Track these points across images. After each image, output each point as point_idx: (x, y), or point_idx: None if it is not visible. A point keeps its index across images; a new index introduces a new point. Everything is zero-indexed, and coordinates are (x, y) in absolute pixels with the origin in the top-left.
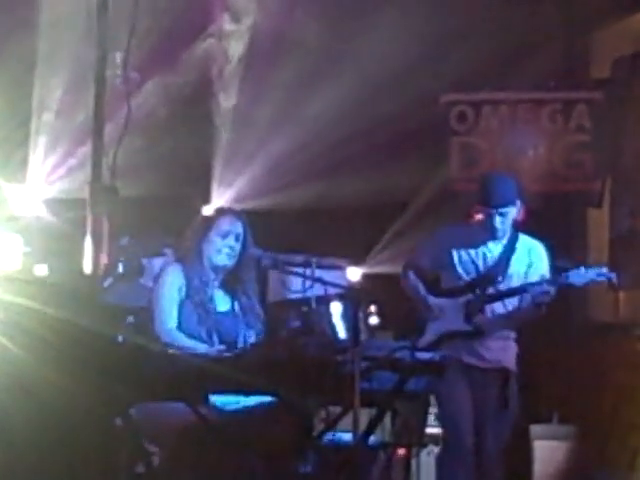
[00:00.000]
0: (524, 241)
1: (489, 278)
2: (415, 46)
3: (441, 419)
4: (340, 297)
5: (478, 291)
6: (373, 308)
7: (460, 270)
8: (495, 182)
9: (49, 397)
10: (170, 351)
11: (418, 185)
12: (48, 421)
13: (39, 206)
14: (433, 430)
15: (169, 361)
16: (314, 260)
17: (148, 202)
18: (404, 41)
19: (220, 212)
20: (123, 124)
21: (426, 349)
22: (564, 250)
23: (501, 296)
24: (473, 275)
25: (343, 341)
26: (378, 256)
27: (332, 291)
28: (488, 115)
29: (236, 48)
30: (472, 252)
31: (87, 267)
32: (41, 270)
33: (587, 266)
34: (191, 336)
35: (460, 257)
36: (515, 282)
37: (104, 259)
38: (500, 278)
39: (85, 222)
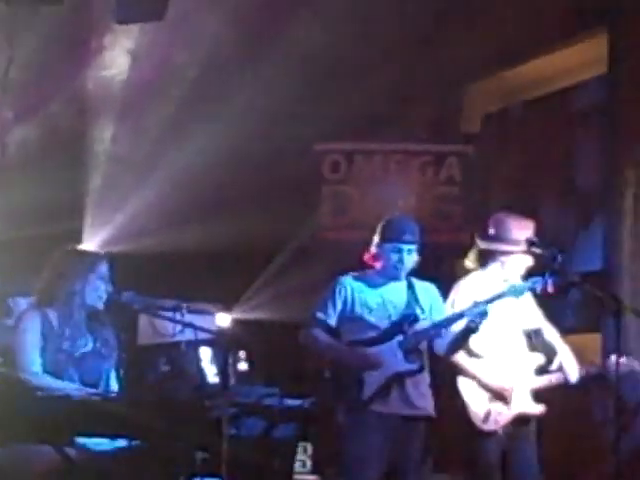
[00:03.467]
0: (418, 284)
1: (408, 318)
2: (290, 95)
3: (341, 478)
4: (210, 342)
5: (406, 329)
6: (242, 354)
7: (372, 319)
8: (403, 220)
9: None
10: (38, 392)
11: (289, 232)
12: None
13: None
14: (300, 477)
15: (35, 402)
16: (184, 305)
17: (19, 242)
18: (279, 89)
19: (99, 255)
20: None
21: (371, 399)
22: None
23: (434, 328)
24: (386, 321)
25: (212, 386)
26: (248, 302)
27: (202, 336)
28: (360, 165)
29: (112, 88)
30: (379, 299)
31: None
32: None
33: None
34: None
35: (369, 306)
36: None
37: None
38: (420, 315)
39: None
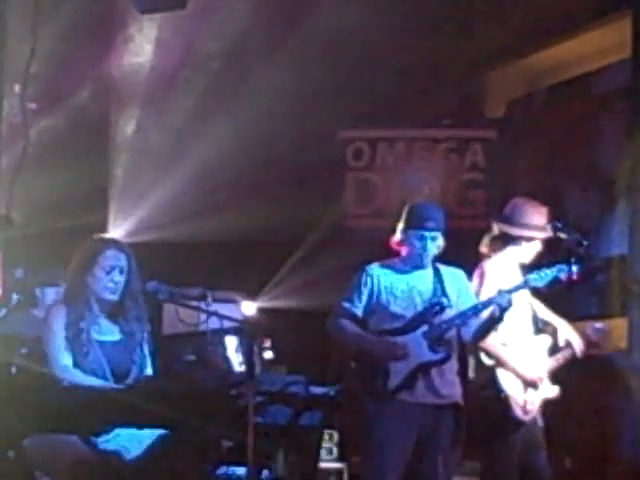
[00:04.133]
0: (445, 270)
1: (433, 308)
2: (313, 81)
3: (364, 465)
4: (235, 331)
5: (431, 319)
6: (268, 342)
7: (398, 309)
8: (426, 207)
9: None
10: (65, 383)
11: (313, 220)
12: None
13: None
14: (326, 465)
15: (63, 393)
16: (210, 293)
17: (45, 233)
18: (302, 76)
19: (103, 245)
20: (20, 154)
21: (397, 389)
22: None
23: (460, 317)
24: (412, 310)
25: (237, 375)
26: (273, 291)
27: (227, 324)
28: (384, 152)
29: (136, 79)
30: (405, 287)
31: None
32: None
33: (546, 266)
34: (85, 371)
35: (395, 295)
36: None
37: None
38: (446, 303)
39: None
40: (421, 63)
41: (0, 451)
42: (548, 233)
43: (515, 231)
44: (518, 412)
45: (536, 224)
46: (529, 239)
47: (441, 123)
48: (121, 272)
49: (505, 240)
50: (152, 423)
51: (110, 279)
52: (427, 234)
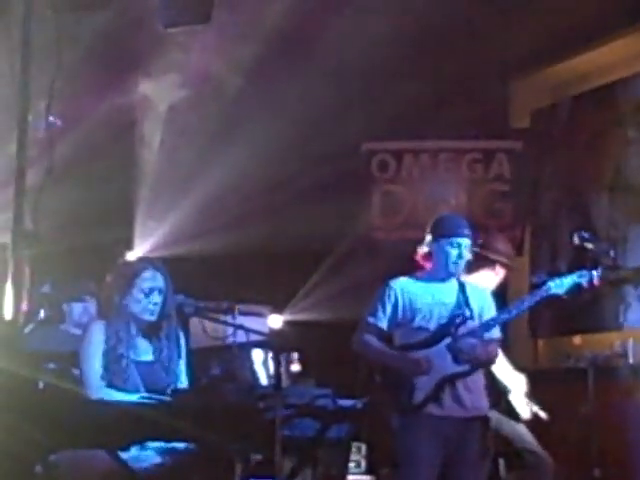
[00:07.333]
0: (470, 285)
1: (455, 319)
2: (338, 94)
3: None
4: (262, 344)
5: (454, 331)
6: (295, 355)
7: (422, 322)
8: (450, 217)
9: None
10: (92, 398)
11: (339, 233)
12: None
13: None
14: (354, 478)
15: (90, 408)
16: (236, 307)
17: (71, 248)
18: (327, 89)
19: (141, 266)
20: (45, 170)
21: (423, 403)
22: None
23: (482, 329)
24: (435, 323)
25: (265, 388)
26: (300, 303)
27: (254, 338)
28: (409, 164)
29: (160, 95)
30: (429, 301)
31: (7, 313)
32: None
33: (565, 274)
34: (119, 390)
35: (419, 309)
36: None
37: (25, 305)
38: (468, 315)
39: (6, 267)
40: (445, 73)
41: (27, 467)
42: (512, 264)
43: (492, 255)
44: None
45: (509, 253)
46: (502, 265)
47: (466, 134)
48: (160, 293)
49: (480, 264)
50: (180, 437)
51: (149, 301)
52: (462, 241)
